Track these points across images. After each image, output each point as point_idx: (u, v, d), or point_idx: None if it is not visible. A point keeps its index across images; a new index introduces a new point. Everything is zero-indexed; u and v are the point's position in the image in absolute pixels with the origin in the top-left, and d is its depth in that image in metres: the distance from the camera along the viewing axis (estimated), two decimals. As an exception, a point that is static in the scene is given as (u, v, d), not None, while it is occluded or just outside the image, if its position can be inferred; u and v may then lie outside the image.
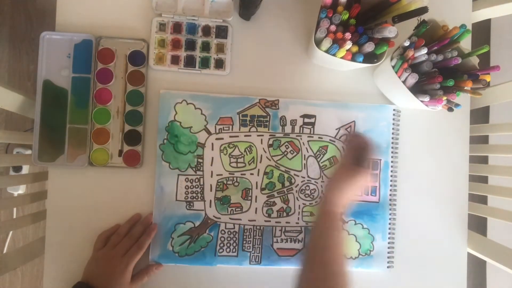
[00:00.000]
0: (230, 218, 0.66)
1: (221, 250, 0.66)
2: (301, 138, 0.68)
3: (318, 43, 0.59)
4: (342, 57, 0.58)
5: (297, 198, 0.67)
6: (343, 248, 0.54)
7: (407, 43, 0.57)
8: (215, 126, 0.66)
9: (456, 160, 0.71)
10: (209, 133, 0.66)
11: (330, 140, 0.68)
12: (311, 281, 0.52)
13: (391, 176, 0.69)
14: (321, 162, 0.68)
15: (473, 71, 0.59)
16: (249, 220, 0.66)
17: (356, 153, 0.58)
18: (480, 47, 0.58)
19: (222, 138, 0.66)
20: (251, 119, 0.67)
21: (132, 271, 0.60)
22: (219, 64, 0.66)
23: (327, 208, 0.55)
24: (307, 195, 0.67)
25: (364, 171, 0.56)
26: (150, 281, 0.63)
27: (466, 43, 0.69)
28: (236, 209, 0.66)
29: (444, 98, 0.58)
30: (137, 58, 0.65)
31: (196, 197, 0.65)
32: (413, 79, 0.59)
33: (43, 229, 0.65)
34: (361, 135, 0.64)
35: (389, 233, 0.68)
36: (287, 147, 0.67)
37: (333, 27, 0.56)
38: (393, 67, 0.59)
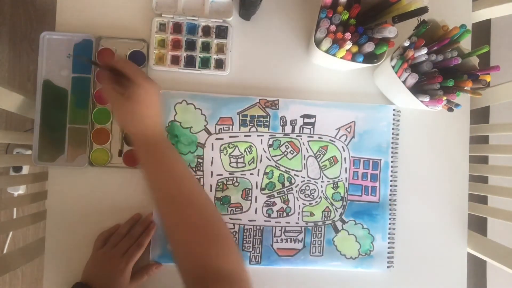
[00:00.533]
0: (230, 218, 0.66)
1: (221, 250, 0.66)
2: (301, 138, 0.68)
3: (318, 43, 0.59)
4: (342, 57, 0.58)
5: (297, 198, 0.67)
6: (184, 166, 0.52)
7: (407, 43, 0.57)
8: (215, 126, 0.66)
9: (456, 160, 0.71)
10: (209, 133, 0.66)
11: (330, 140, 0.68)
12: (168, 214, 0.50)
13: (391, 176, 0.69)
14: (321, 162, 0.68)
15: (473, 71, 0.59)
16: (249, 220, 0.66)
17: (114, 81, 0.53)
18: (480, 47, 0.58)
19: (222, 138, 0.66)
20: (251, 119, 0.67)
21: (132, 271, 0.60)
22: (219, 64, 0.66)
23: (142, 141, 0.52)
24: (307, 195, 0.67)
25: (137, 87, 0.50)
26: (150, 281, 0.63)
27: (466, 43, 0.69)
28: (236, 209, 0.66)
29: (444, 98, 0.58)
30: (137, 58, 0.65)
31: (196, 197, 0.65)
32: (413, 79, 0.59)
33: (43, 229, 0.65)
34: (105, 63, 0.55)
35: (389, 233, 0.68)
36: (287, 147, 0.67)
37: (333, 27, 0.56)
38: (393, 67, 0.59)
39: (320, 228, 0.67)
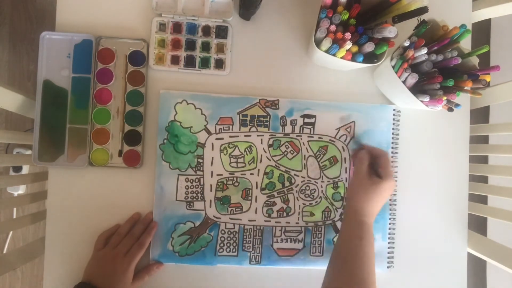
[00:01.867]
0: (230, 218, 0.66)
1: (221, 250, 0.66)
2: (301, 138, 0.68)
3: (318, 43, 0.59)
4: (342, 57, 0.58)
5: (297, 198, 0.67)
6: (373, 260, 0.56)
7: (407, 43, 0.57)
8: (215, 126, 0.66)
9: (456, 160, 0.71)
10: (209, 133, 0.66)
11: (330, 140, 0.68)
12: None
13: (391, 176, 0.69)
14: (321, 162, 0.68)
15: (473, 71, 0.59)
16: (249, 220, 0.66)
17: (371, 164, 0.61)
18: (480, 47, 0.58)
19: (222, 138, 0.66)
20: (251, 119, 0.67)
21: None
22: (219, 64, 0.66)
23: (358, 218, 0.57)
24: (307, 195, 0.67)
25: (387, 182, 0.58)
26: (151, 280, 0.63)
27: (466, 43, 0.69)
28: (236, 209, 0.66)
29: (444, 98, 0.58)
30: (137, 58, 0.65)
31: (196, 197, 0.66)
32: (413, 79, 0.59)
33: (43, 229, 0.65)
34: (369, 147, 0.65)
35: (389, 233, 0.68)
36: (287, 147, 0.67)
37: (333, 27, 0.56)
38: (393, 67, 0.59)
39: (320, 228, 0.67)
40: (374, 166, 0.61)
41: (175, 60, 0.66)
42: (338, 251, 0.57)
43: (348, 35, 0.55)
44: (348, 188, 0.67)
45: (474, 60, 0.60)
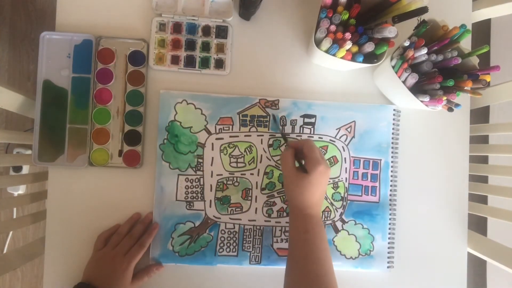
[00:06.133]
0: (230, 218, 0.66)
1: (221, 250, 0.66)
2: (301, 138, 0.68)
3: (318, 43, 0.59)
4: (342, 57, 0.58)
5: (297, 198, 0.67)
6: (326, 252, 0.54)
7: (407, 43, 0.57)
8: (215, 126, 0.66)
9: (456, 160, 0.71)
10: (209, 133, 0.66)
11: (330, 140, 0.68)
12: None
13: (391, 176, 0.69)
14: (321, 162, 0.68)
15: (473, 71, 0.59)
16: (249, 220, 0.66)
17: (297, 157, 0.59)
18: (480, 47, 0.58)
19: (222, 138, 0.66)
20: (251, 119, 0.67)
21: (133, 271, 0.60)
22: (219, 64, 0.66)
23: (301, 213, 0.56)
24: (307, 195, 0.67)
25: (314, 173, 0.55)
26: (150, 280, 0.63)
27: (466, 43, 0.69)
28: (236, 209, 0.66)
29: (444, 98, 0.58)
30: (137, 58, 0.65)
31: (196, 197, 0.65)
32: (413, 79, 0.59)
33: (43, 229, 0.65)
34: (291, 142, 0.61)
35: (389, 233, 0.68)
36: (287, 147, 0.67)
37: (333, 27, 0.56)
38: (393, 67, 0.59)
39: (320, 228, 0.67)
40: (300, 159, 0.59)
41: (175, 60, 0.66)
42: (289, 251, 0.56)
43: (348, 35, 0.55)
44: (284, 190, 0.65)
45: (474, 60, 0.60)
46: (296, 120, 0.68)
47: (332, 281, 0.52)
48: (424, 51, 0.57)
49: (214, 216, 0.66)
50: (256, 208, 0.67)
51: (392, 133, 0.69)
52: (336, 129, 0.68)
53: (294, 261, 0.55)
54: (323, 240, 0.55)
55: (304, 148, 0.57)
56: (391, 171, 0.69)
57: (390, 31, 0.54)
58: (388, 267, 0.68)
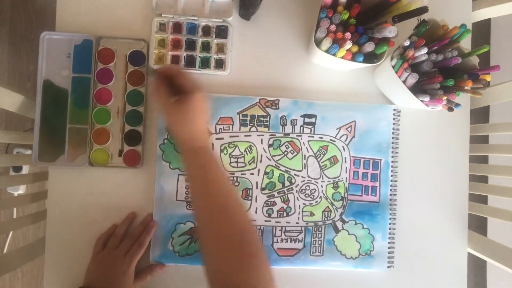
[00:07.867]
0: (230, 218, 0.66)
1: (221, 250, 0.65)
2: (301, 138, 0.68)
3: (318, 43, 0.59)
4: (342, 57, 0.58)
5: (297, 198, 0.67)
6: (230, 186, 0.52)
7: (407, 43, 0.57)
8: (215, 126, 0.66)
9: (456, 160, 0.71)
10: (209, 133, 0.66)
11: (330, 140, 0.68)
12: (206, 229, 0.50)
13: (391, 176, 0.69)
14: (321, 162, 0.68)
15: (473, 71, 0.59)
16: (249, 220, 0.66)
17: (170, 85, 0.53)
18: (480, 47, 0.58)
19: (222, 138, 0.66)
20: (251, 119, 0.67)
21: (134, 271, 0.59)
22: (219, 64, 0.66)
23: (190, 145, 0.53)
24: (307, 195, 0.67)
25: (190, 100, 0.51)
26: (151, 280, 0.63)
27: (466, 43, 0.69)
28: (236, 209, 0.66)
29: (444, 98, 0.58)
30: (137, 58, 0.65)
31: (196, 197, 0.65)
32: (413, 79, 0.59)
33: (43, 229, 0.65)
34: (160, 69, 0.55)
35: (389, 233, 0.68)
36: (287, 147, 0.67)
37: (333, 27, 0.56)
38: (393, 67, 0.59)
39: (320, 228, 0.67)
40: (174, 87, 0.54)
41: (175, 60, 0.66)
42: (191, 193, 0.52)
43: (348, 35, 0.55)
44: (166, 126, 0.61)
45: (474, 60, 0.60)
46: (296, 120, 0.68)
47: (241, 213, 0.51)
48: (424, 50, 0.57)
49: (214, 216, 0.66)
50: (256, 208, 0.67)
51: (392, 133, 0.69)
52: (337, 129, 0.68)
53: (199, 203, 0.51)
54: (224, 173, 0.52)
55: (176, 77, 0.52)
56: (391, 171, 0.69)
57: (390, 31, 0.54)
58: (388, 267, 0.68)
